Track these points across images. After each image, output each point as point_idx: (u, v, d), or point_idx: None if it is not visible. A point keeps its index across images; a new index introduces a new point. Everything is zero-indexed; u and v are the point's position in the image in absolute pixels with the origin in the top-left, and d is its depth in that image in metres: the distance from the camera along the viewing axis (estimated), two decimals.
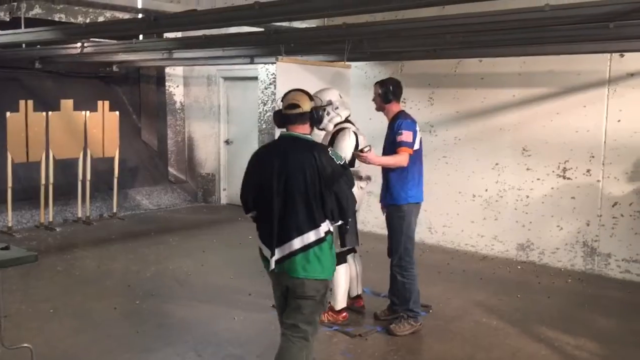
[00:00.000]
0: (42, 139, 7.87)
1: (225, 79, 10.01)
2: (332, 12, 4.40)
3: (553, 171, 6.51)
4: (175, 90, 10.45)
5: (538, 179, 6.63)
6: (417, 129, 4.65)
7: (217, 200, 10.21)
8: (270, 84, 8.97)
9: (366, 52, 6.21)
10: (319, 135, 4.68)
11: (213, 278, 6.11)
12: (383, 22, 5.55)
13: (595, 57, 6.02)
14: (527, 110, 6.65)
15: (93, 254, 6.96)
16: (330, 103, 4.67)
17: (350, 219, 3.56)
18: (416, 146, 4.61)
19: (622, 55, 5.97)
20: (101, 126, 8.50)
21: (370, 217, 7.55)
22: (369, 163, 4.41)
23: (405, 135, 4.51)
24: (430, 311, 5.16)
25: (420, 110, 7.32)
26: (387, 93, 4.67)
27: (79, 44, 7.36)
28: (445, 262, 6.75)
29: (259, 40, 6.01)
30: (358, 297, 5.15)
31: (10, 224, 7.75)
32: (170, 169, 10.45)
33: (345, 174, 3.27)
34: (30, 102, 7.71)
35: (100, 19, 8.46)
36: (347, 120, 4.80)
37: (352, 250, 4.99)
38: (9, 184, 7.63)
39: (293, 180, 3.19)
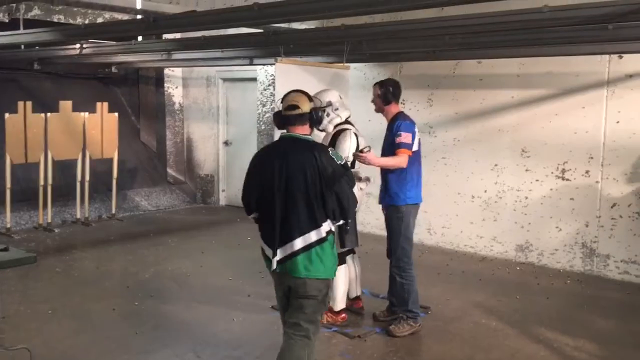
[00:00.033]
0: (41, 140, 7.87)
1: (225, 80, 10.01)
2: (331, 13, 4.40)
3: (552, 172, 6.52)
4: (174, 91, 10.45)
5: (537, 180, 6.63)
6: (416, 130, 4.65)
7: (216, 202, 10.21)
8: (269, 85, 8.97)
9: (365, 53, 6.21)
10: (318, 137, 4.68)
11: (212, 279, 6.10)
12: (382, 23, 5.56)
13: (593, 58, 6.03)
14: (526, 111, 6.66)
15: (92, 255, 6.96)
16: (330, 104, 4.67)
17: (350, 220, 3.57)
18: (415, 147, 4.61)
19: (620, 57, 5.98)
20: (100, 127, 8.50)
21: (370, 218, 7.55)
22: (368, 164, 4.41)
23: (404, 137, 4.51)
24: (430, 312, 5.16)
25: (419, 111, 7.32)
26: (386, 94, 4.67)
27: (77, 45, 7.35)
28: (445, 263, 6.75)
29: (258, 42, 6.01)
30: (357, 298, 5.15)
31: (8, 225, 7.74)
32: (169, 170, 10.45)
33: (346, 173, 3.30)
34: (29, 104, 7.71)
35: (99, 20, 8.45)
36: (346, 122, 4.80)
37: (351, 251, 4.99)
38: (8, 185, 7.62)
39: (294, 180, 3.21)
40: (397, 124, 4.58)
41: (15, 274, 6.10)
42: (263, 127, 9.15)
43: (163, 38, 7.99)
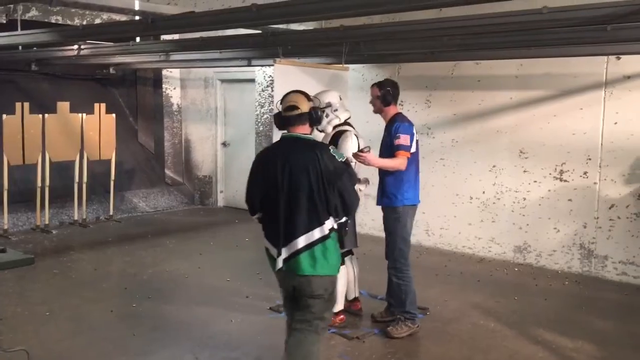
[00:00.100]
0: (39, 142, 7.85)
1: (223, 81, 10.01)
2: (330, 14, 4.40)
3: (550, 173, 6.52)
4: (172, 92, 10.44)
5: (535, 181, 6.63)
6: (414, 131, 4.65)
7: (214, 203, 10.20)
8: (268, 86, 8.96)
9: (363, 54, 6.21)
10: (318, 137, 4.67)
11: (210, 280, 6.09)
12: (380, 24, 5.55)
13: (592, 59, 6.03)
14: (524, 112, 6.66)
15: (89, 257, 6.95)
16: (329, 105, 4.67)
17: (349, 220, 3.59)
18: (413, 149, 4.61)
19: (618, 58, 5.99)
20: (98, 128, 8.49)
21: (367, 219, 7.55)
22: (368, 164, 4.41)
23: (403, 139, 4.51)
24: (428, 313, 5.16)
25: (417, 112, 7.32)
26: (386, 95, 4.67)
27: (75, 46, 7.34)
28: (443, 265, 6.75)
29: (256, 43, 6.01)
30: (355, 299, 5.14)
31: (6, 227, 7.72)
32: (167, 171, 10.43)
33: (347, 170, 3.35)
34: (26, 105, 7.69)
35: (97, 21, 8.44)
36: (346, 123, 4.80)
37: (350, 252, 4.98)
38: (5, 186, 7.61)
39: (297, 179, 3.25)
40: (396, 125, 4.58)
41: (12, 275, 6.09)
42: (261, 128, 9.14)
43: (161, 39, 7.97)
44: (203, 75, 10.12)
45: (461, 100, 7.14)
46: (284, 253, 3.29)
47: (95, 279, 6.10)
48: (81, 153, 8.36)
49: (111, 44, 7.44)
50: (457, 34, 5.11)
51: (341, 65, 5.96)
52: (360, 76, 7.79)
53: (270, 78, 8.80)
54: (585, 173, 6.29)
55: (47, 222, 8.12)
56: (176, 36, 8.00)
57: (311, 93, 3.73)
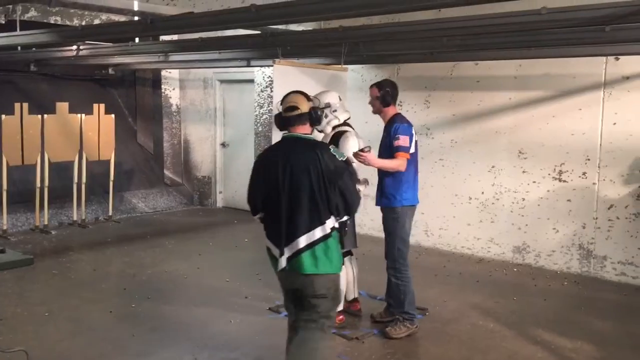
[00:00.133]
0: (38, 142, 7.85)
1: (222, 81, 10.01)
2: (329, 14, 4.40)
3: (549, 174, 6.53)
4: (171, 93, 10.44)
5: (534, 182, 6.64)
6: (413, 132, 4.66)
7: (213, 203, 10.19)
8: (267, 86, 8.96)
9: (362, 55, 6.22)
10: (318, 138, 4.67)
11: (209, 281, 6.09)
12: (380, 25, 5.56)
13: (591, 60, 6.04)
14: (523, 113, 6.67)
15: (89, 257, 6.94)
16: (328, 106, 4.67)
17: (350, 220, 3.61)
18: (412, 150, 4.61)
19: (617, 59, 6.00)
20: (97, 129, 8.48)
21: (367, 219, 7.55)
22: (368, 164, 4.41)
23: (402, 140, 4.52)
24: (427, 314, 5.16)
25: (416, 113, 7.33)
26: (385, 96, 4.67)
27: (74, 47, 7.34)
28: (442, 265, 6.75)
29: (256, 43, 6.01)
30: (355, 300, 5.14)
31: (5, 227, 7.72)
32: (166, 172, 10.43)
33: (348, 170, 3.38)
34: (25, 105, 7.69)
35: (96, 21, 8.44)
36: (345, 123, 4.80)
37: (349, 253, 4.98)
38: (4, 186, 7.61)
39: (297, 179, 3.28)
40: (395, 127, 4.58)
41: (11, 276, 6.08)
42: (260, 129, 9.14)
43: (160, 40, 7.98)
44: (202, 76, 10.12)
45: (460, 100, 7.15)
46: (287, 252, 3.31)
47: (95, 279, 6.10)
48: (80, 153, 8.35)
49: (110, 44, 7.43)
50: (456, 35, 5.12)
51: (340, 65, 5.96)
52: (359, 77, 7.79)
53: (270, 78, 8.80)
54: (584, 173, 6.30)
55: (46, 223, 8.12)
56: (175, 37, 8.01)
57: (311, 94, 3.74)
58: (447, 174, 7.30)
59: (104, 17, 8.36)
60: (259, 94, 9.14)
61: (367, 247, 6.52)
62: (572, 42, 5.07)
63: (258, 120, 9.18)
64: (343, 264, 4.77)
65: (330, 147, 3.48)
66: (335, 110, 4.71)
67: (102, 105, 8.58)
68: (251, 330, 4.81)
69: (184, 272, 6.37)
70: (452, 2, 3.77)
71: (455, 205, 7.27)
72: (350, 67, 6.66)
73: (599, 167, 6.21)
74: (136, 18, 5.40)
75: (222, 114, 10.08)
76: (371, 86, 4.78)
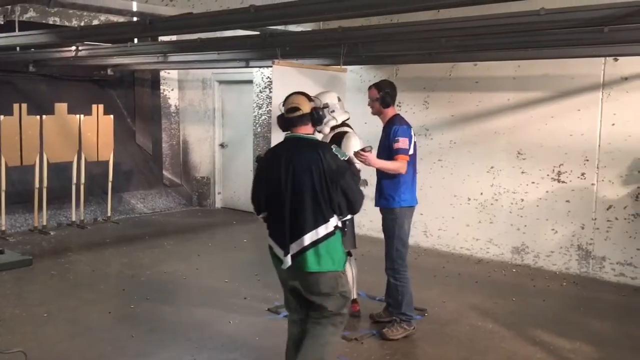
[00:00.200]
0: (36, 143, 7.84)
1: (220, 82, 10.00)
2: (328, 15, 4.40)
3: (548, 174, 6.53)
4: (170, 93, 10.44)
5: (533, 183, 6.64)
6: (412, 133, 4.66)
7: (211, 204, 10.19)
8: (265, 87, 8.97)
9: (361, 55, 6.22)
10: (318, 138, 4.67)
11: (208, 282, 6.09)
12: (378, 25, 5.55)
13: (589, 61, 6.04)
14: (522, 113, 6.67)
15: (87, 258, 6.94)
16: (326, 106, 4.66)
17: (349, 220, 3.63)
18: (411, 151, 4.61)
19: (616, 59, 6.00)
20: (95, 130, 8.48)
21: (366, 220, 7.54)
22: (368, 164, 4.41)
23: (402, 142, 4.52)
24: (426, 315, 5.16)
25: (415, 113, 7.33)
26: (385, 97, 4.66)
27: (73, 47, 7.33)
28: (441, 266, 6.75)
29: (255, 44, 6.00)
30: (354, 301, 5.13)
31: (3, 228, 7.72)
32: (165, 173, 10.42)
33: (350, 169, 3.43)
34: (24, 106, 7.69)
35: (95, 22, 8.44)
36: (344, 124, 4.79)
37: (348, 254, 4.97)
38: (3, 187, 7.60)
39: (300, 179, 3.32)
40: (395, 129, 4.58)
41: (10, 276, 6.08)
42: (259, 130, 9.15)
43: (159, 40, 7.97)
44: (201, 77, 10.11)
45: (459, 101, 7.15)
46: (292, 251, 3.33)
47: (93, 280, 6.10)
48: (79, 154, 8.35)
49: (109, 45, 7.43)
50: (455, 35, 5.12)
51: (340, 66, 5.96)
52: (358, 77, 7.79)
53: (268, 79, 8.81)
54: (582, 174, 6.30)
55: (44, 224, 8.11)
56: (174, 37, 8.01)
57: (310, 94, 3.75)
58: (446, 174, 7.31)
59: (103, 17, 8.36)
60: (257, 95, 9.14)
61: (366, 247, 6.52)
62: (570, 43, 5.08)
63: (257, 121, 9.18)
64: (347, 261, 4.80)
65: (332, 146, 3.51)
66: (333, 111, 4.70)
67: (101, 106, 8.57)
68: (250, 331, 4.81)
69: (183, 272, 6.36)
70: (452, 3, 3.78)
71: (454, 206, 7.27)
72: (349, 67, 6.65)
73: (597, 167, 6.21)
74: (135, 19, 5.40)
75: (220, 115, 10.08)
76: (370, 87, 4.77)
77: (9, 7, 7.08)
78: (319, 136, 4.75)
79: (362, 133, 5.13)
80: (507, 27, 4.44)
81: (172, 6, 6.48)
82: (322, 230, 3.31)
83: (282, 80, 5.29)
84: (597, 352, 4.48)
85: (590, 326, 5.02)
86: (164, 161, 10.40)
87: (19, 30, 6.48)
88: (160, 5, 5.68)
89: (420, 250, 7.33)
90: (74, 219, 8.47)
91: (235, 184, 9.81)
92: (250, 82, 9.25)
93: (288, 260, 3.34)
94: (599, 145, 6.19)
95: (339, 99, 4.83)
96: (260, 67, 8.62)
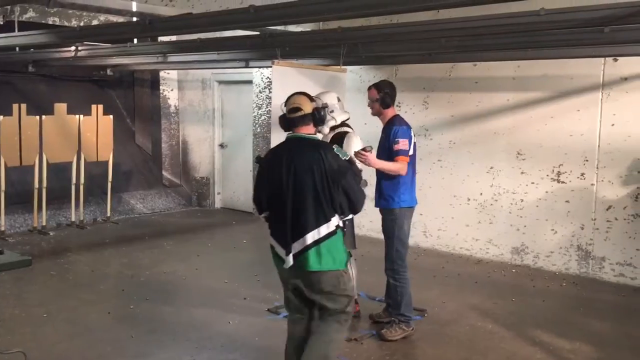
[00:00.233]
0: (36, 143, 7.84)
1: (220, 82, 10.00)
2: (328, 15, 4.40)
3: (547, 175, 6.53)
4: (170, 93, 10.43)
5: (532, 183, 6.64)
6: (412, 134, 4.65)
7: (211, 204, 10.18)
8: (265, 87, 8.96)
9: (361, 56, 6.21)
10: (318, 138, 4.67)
11: (208, 282, 6.08)
12: (378, 26, 5.55)
13: (589, 61, 6.04)
14: (522, 114, 6.67)
15: (87, 258, 6.93)
16: (325, 106, 4.65)
17: (349, 220, 3.64)
18: (410, 152, 4.61)
19: (616, 60, 6.00)
20: (95, 130, 8.47)
21: (365, 221, 7.54)
22: (368, 164, 4.40)
23: (402, 144, 4.52)
24: (426, 315, 5.16)
25: (415, 114, 7.33)
26: (385, 98, 4.66)
27: (72, 48, 7.33)
28: (440, 266, 6.75)
29: (254, 44, 6.00)
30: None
31: (3, 228, 7.71)
32: (165, 173, 10.42)
33: (351, 169, 3.45)
34: (23, 106, 7.68)
35: (95, 22, 8.43)
36: (343, 124, 4.79)
37: (348, 254, 4.97)
38: (2, 187, 7.59)
39: (301, 178, 3.33)
40: (394, 130, 4.57)
41: (9, 277, 6.07)
42: (259, 130, 9.14)
43: (158, 40, 7.97)
44: (200, 77, 10.11)
45: (458, 101, 7.15)
46: (294, 250, 3.34)
47: (93, 280, 6.09)
48: (78, 154, 8.34)
49: (108, 45, 7.42)
50: (454, 36, 5.12)
51: (339, 67, 5.96)
52: (357, 78, 7.79)
53: (268, 79, 8.81)
54: (582, 174, 6.30)
55: (44, 224, 8.10)
56: (174, 38, 8.01)
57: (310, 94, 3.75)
58: (445, 175, 7.30)
59: (103, 17, 8.35)
60: (257, 95, 9.14)
61: (366, 248, 6.52)
62: (570, 43, 5.08)
63: (256, 121, 9.18)
64: (348, 261, 4.79)
65: (334, 146, 3.52)
66: (332, 111, 4.70)
67: (101, 106, 8.57)
68: (250, 331, 4.81)
69: (183, 273, 6.36)
70: (452, 3, 3.77)
71: (454, 206, 7.27)
72: (348, 68, 6.65)
73: (597, 168, 6.21)
74: (135, 19, 5.40)
75: (220, 115, 10.08)
76: (370, 88, 4.77)
77: (9, 7, 7.08)
78: (318, 136, 4.75)
79: (362, 133, 5.12)
80: (507, 28, 4.43)
81: (172, 6, 6.47)
82: (324, 230, 3.32)
83: (282, 80, 5.29)
84: (596, 352, 4.49)
85: (590, 326, 5.02)
86: (163, 161, 10.39)
87: (19, 31, 6.48)
88: (160, 5, 5.68)
89: (419, 250, 7.33)
90: (73, 219, 8.46)
91: (234, 184, 9.81)
92: (249, 82, 9.25)
93: (290, 260, 3.35)
94: (599, 146, 6.19)
95: (339, 99, 4.83)
96: (259, 67, 8.62)
